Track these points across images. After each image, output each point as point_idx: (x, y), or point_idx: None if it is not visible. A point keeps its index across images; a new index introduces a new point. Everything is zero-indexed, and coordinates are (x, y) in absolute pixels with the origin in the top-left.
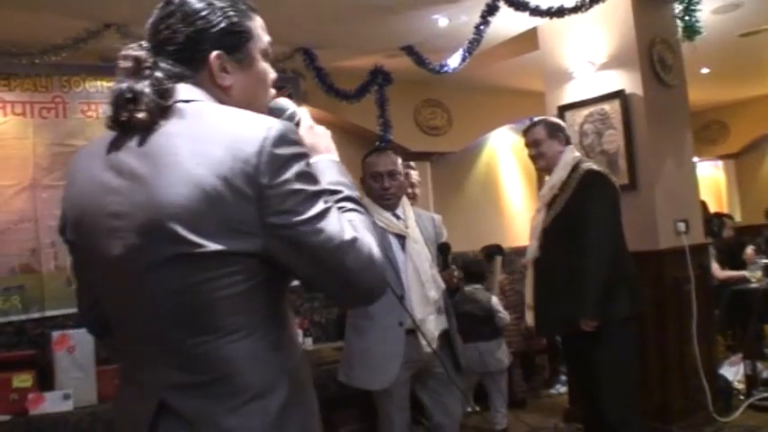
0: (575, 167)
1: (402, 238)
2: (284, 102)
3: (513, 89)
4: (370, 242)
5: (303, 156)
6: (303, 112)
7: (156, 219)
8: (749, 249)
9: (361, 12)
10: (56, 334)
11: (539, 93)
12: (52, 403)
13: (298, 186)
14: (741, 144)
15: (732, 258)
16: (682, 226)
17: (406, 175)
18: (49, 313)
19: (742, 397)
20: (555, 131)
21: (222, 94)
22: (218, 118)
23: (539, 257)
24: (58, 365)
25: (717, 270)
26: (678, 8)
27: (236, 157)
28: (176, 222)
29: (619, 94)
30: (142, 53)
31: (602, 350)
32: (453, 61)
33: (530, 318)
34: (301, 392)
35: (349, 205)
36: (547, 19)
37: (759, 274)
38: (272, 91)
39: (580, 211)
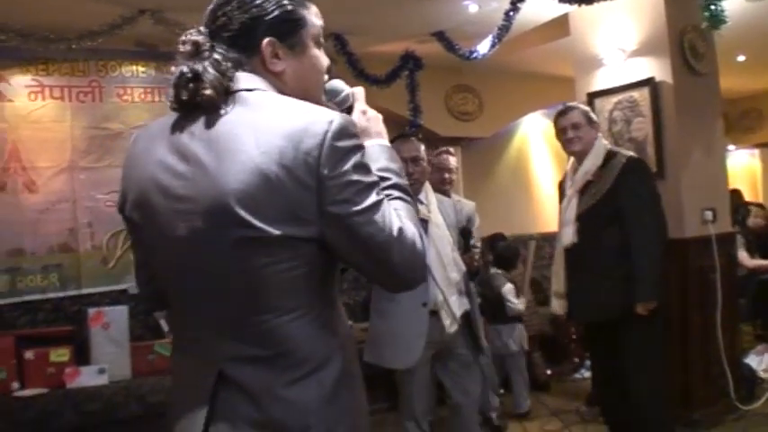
0: (609, 155)
1: (425, 223)
2: (339, 84)
3: (545, 75)
4: (414, 233)
5: (360, 147)
6: (359, 94)
7: (222, 204)
8: None
9: None
10: (92, 311)
11: (570, 79)
12: (88, 377)
13: (355, 177)
14: None
15: (762, 247)
16: (709, 215)
17: (445, 160)
18: (85, 291)
19: (766, 386)
20: (591, 118)
21: (276, 80)
22: (280, 109)
23: (575, 244)
24: (94, 341)
25: (745, 258)
26: None
27: (298, 148)
28: (241, 208)
29: (648, 82)
30: (200, 37)
31: (635, 336)
32: (483, 47)
33: (559, 306)
34: (352, 368)
35: (395, 193)
36: (576, 6)
37: None
38: (326, 76)
39: (626, 197)
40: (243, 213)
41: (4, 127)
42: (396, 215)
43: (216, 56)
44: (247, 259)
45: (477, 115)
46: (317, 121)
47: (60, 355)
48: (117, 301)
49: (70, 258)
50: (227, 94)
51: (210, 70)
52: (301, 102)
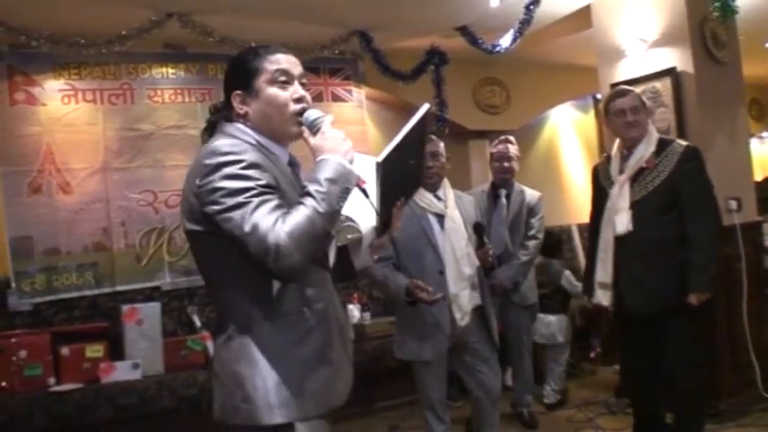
0: (661, 142)
1: (441, 218)
2: (311, 113)
3: (571, 66)
4: (267, 231)
5: (232, 162)
6: (326, 120)
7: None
8: None
9: None
10: (125, 307)
11: (596, 69)
12: (122, 372)
13: (219, 185)
14: None
15: None
16: (733, 204)
17: (504, 149)
18: (119, 288)
19: None
20: (645, 103)
21: (245, 120)
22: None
23: (630, 232)
24: (128, 337)
25: None
26: None
27: (193, 168)
28: (182, 212)
29: (670, 72)
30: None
31: (685, 327)
32: (505, 41)
33: (605, 297)
34: (284, 332)
35: (305, 200)
36: None
37: None
38: (295, 107)
39: (685, 186)
40: (182, 216)
41: (38, 130)
42: (263, 214)
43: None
44: (192, 246)
45: (505, 108)
46: (204, 148)
47: (95, 350)
48: (150, 297)
49: (104, 257)
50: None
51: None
52: (220, 137)
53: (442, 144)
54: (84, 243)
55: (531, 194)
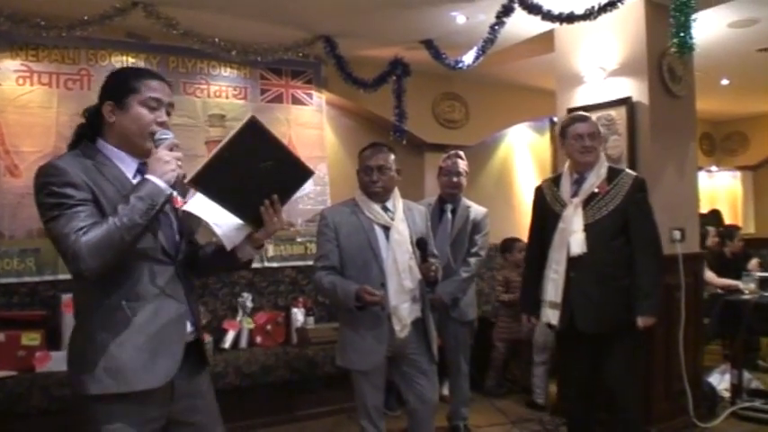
0: (612, 171)
1: (387, 229)
2: (160, 133)
3: (532, 88)
4: (72, 239)
5: (50, 184)
6: (164, 143)
7: None
8: (754, 261)
9: (382, 4)
10: (66, 297)
11: (554, 93)
12: (58, 362)
13: (44, 201)
14: (760, 156)
15: (722, 267)
16: (677, 234)
17: (454, 164)
18: (61, 276)
19: (727, 405)
20: (600, 131)
21: (110, 129)
22: None
23: (583, 254)
24: (66, 327)
25: (714, 278)
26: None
27: None
28: None
29: (626, 101)
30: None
31: (628, 347)
32: (468, 58)
33: (553, 316)
34: (114, 321)
35: (111, 215)
36: (558, 24)
37: (752, 286)
38: (153, 127)
39: (635, 214)
40: None
41: None
42: (72, 225)
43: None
44: None
45: (464, 123)
46: (37, 173)
47: (32, 338)
48: None
49: (48, 244)
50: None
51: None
52: (63, 156)
53: (392, 157)
54: (28, 228)
55: (478, 210)
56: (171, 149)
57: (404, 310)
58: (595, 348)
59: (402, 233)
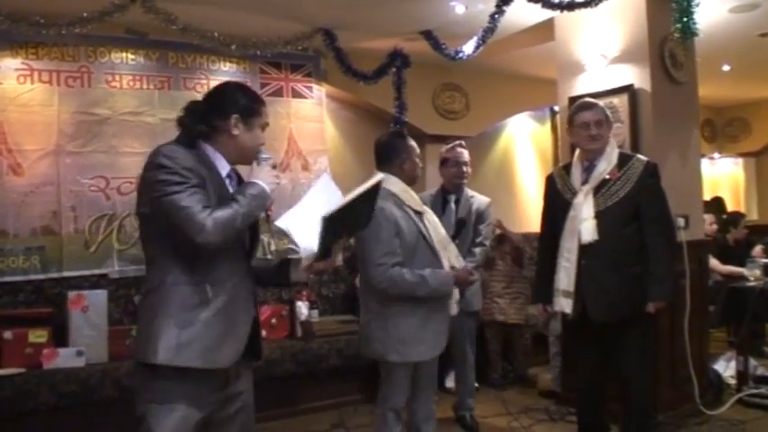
0: (622, 155)
1: (419, 215)
2: (264, 152)
3: (532, 77)
4: (204, 216)
5: (172, 164)
6: (269, 161)
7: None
8: (758, 248)
9: None
10: (72, 294)
11: (555, 82)
12: (65, 359)
13: (162, 177)
14: (762, 143)
15: (725, 254)
16: (681, 221)
17: (461, 153)
18: (66, 274)
19: (733, 392)
20: (608, 117)
21: (230, 140)
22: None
23: (594, 241)
24: (73, 324)
25: (717, 265)
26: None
27: (144, 165)
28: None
29: (628, 89)
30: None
31: (639, 333)
32: (468, 48)
33: (566, 304)
34: (184, 295)
35: (231, 204)
36: (558, 11)
37: (757, 272)
38: (261, 147)
39: (647, 200)
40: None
41: None
42: (193, 202)
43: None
44: (140, 226)
45: (464, 114)
46: (153, 153)
47: (39, 336)
48: (97, 284)
49: (52, 241)
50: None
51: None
52: (169, 143)
53: (408, 140)
54: (32, 226)
55: (481, 200)
56: (273, 168)
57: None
58: (606, 336)
59: (433, 215)
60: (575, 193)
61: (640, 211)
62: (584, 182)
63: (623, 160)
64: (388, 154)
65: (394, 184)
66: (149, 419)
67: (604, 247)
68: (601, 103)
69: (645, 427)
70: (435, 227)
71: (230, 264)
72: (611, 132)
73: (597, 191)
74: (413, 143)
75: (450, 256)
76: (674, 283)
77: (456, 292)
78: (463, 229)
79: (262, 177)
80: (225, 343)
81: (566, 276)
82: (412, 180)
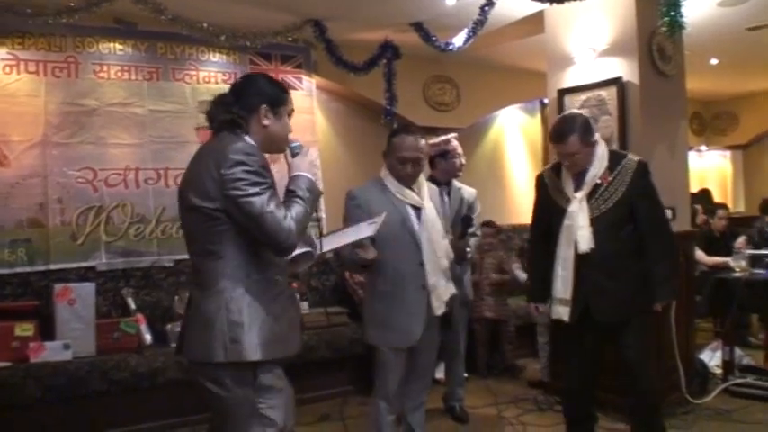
0: (614, 157)
1: (418, 210)
2: (296, 142)
3: (523, 69)
4: (282, 219)
5: (252, 162)
6: (305, 149)
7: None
8: (741, 239)
9: None
10: (58, 286)
11: (545, 75)
12: (52, 352)
13: (241, 176)
14: (750, 136)
15: (710, 245)
16: (668, 213)
17: (458, 146)
18: (53, 266)
19: (719, 381)
20: (588, 138)
21: (261, 129)
22: (221, 143)
23: (593, 248)
24: (60, 317)
25: (703, 256)
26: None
27: (217, 158)
28: (190, 191)
29: (616, 81)
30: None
31: (641, 330)
32: (458, 40)
33: (564, 312)
34: (255, 293)
35: (296, 200)
36: (548, 4)
37: (743, 263)
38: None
39: (641, 200)
40: (189, 194)
41: None
42: (274, 206)
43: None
44: (196, 220)
45: (455, 106)
46: (229, 150)
47: (25, 329)
48: (84, 277)
49: (39, 233)
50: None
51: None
52: (238, 140)
53: (423, 142)
54: (18, 218)
55: (469, 192)
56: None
57: (441, 288)
58: (605, 332)
59: (432, 213)
60: (569, 200)
61: (635, 212)
62: (577, 188)
63: (614, 161)
64: (386, 149)
65: (385, 175)
66: (262, 406)
67: (601, 253)
68: (585, 96)
69: (654, 408)
70: (433, 224)
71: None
72: (594, 145)
73: (590, 196)
74: (399, 141)
75: (440, 257)
76: (677, 280)
77: (441, 290)
78: (469, 227)
79: (305, 169)
80: (296, 332)
81: (562, 285)
82: (395, 176)
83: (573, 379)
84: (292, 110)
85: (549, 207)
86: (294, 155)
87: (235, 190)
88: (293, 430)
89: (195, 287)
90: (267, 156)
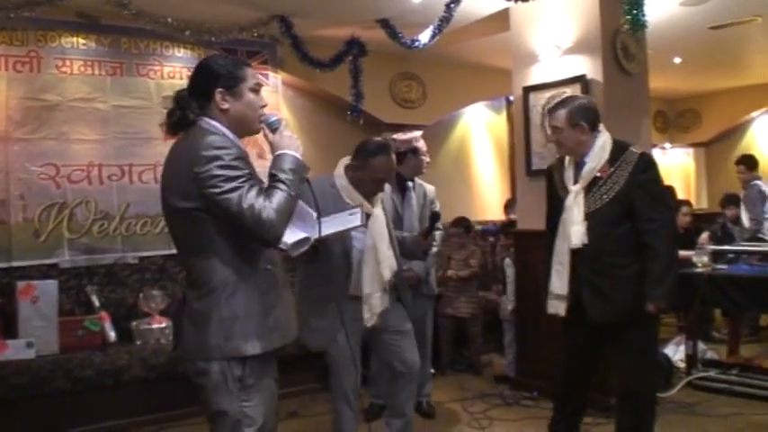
0: (617, 148)
1: (367, 216)
2: (271, 116)
3: (489, 67)
4: (261, 209)
5: (225, 156)
6: (284, 122)
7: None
8: (704, 235)
9: None
10: (21, 284)
11: (510, 72)
12: (15, 351)
13: (217, 173)
14: (712, 133)
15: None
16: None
17: (424, 144)
18: (15, 263)
19: (682, 375)
20: (577, 120)
21: (223, 115)
22: (192, 138)
23: (585, 244)
24: (22, 315)
25: None
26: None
27: (189, 156)
28: (170, 193)
29: (580, 79)
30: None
31: (640, 335)
32: (424, 37)
33: (560, 308)
34: (248, 291)
35: (278, 186)
36: (513, 2)
37: (705, 259)
38: (261, 110)
39: (641, 197)
40: (169, 196)
41: None
42: (253, 198)
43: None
44: (177, 220)
45: (421, 103)
46: (200, 146)
47: None
48: (47, 275)
49: (1, 230)
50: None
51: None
52: (207, 134)
53: (393, 156)
54: None
55: (429, 187)
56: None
57: (376, 299)
58: (604, 336)
59: (381, 221)
60: (567, 193)
61: (634, 209)
62: (576, 181)
63: (616, 154)
64: (358, 154)
65: (341, 178)
66: (245, 405)
67: (597, 249)
68: (549, 93)
69: (644, 408)
70: (380, 232)
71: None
72: (586, 134)
73: (589, 190)
74: (379, 163)
75: (382, 267)
76: (676, 282)
77: (375, 302)
78: (436, 224)
79: (286, 145)
80: (290, 318)
81: (558, 280)
82: (354, 185)
83: (565, 378)
84: (257, 84)
85: (555, 200)
86: (273, 131)
87: (211, 188)
88: (275, 429)
89: (188, 287)
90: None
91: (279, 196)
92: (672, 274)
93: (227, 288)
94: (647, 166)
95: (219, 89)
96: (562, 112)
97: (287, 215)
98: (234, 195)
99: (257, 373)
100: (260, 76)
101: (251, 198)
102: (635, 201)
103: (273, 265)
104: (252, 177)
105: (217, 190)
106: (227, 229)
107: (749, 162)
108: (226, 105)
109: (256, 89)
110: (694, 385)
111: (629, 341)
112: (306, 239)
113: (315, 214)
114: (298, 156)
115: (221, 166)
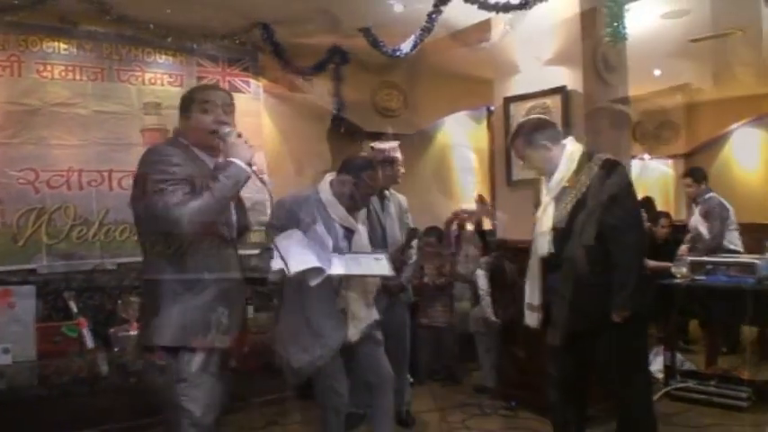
0: (584, 159)
1: (350, 233)
2: (223, 129)
3: (469, 77)
4: (172, 206)
5: (157, 162)
6: (231, 133)
7: None
8: (683, 247)
9: None
10: None
11: (492, 82)
12: None
13: (152, 177)
14: (692, 145)
15: (654, 252)
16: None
17: (400, 153)
18: None
19: (661, 386)
20: (534, 139)
21: (183, 132)
22: None
23: (552, 253)
24: None
25: (645, 261)
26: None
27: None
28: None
29: (561, 90)
30: None
31: (617, 346)
32: (406, 46)
33: (534, 319)
34: (186, 300)
35: (205, 189)
36: (494, 13)
37: (683, 270)
38: (212, 126)
39: (604, 203)
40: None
41: None
42: (172, 197)
43: None
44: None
45: (402, 112)
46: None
47: None
48: (25, 280)
49: None
50: None
51: None
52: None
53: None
54: None
55: (402, 198)
56: (239, 136)
57: (362, 314)
58: (583, 346)
59: (365, 238)
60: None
61: (600, 216)
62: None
63: (582, 163)
64: (348, 170)
65: (326, 192)
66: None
67: (563, 259)
68: (530, 104)
69: (642, 423)
70: (364, 247)
71: (218, 249)
72: (552, 147)
73: (559, 201)
74: (371, 176)
75: (367, 282)
76: (644, 291)
77: (361, 314)
78: (414, 239)
79: (234, 153)
80: (221, 323)
81: (530, 290)
82: (338, 199)
83: (555, 389)
84: (206, 101)
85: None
86: (225, 142)
87: (141, 189)
88: (212, 424)
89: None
90: None
91: (196, 200)
92: (632, 280)
93: (162, 287)
94: (611, 171)
95: (180, 112)
96: (520, 141)
97: (203, 215)
98: (156, 196)
99: (192, 365)
100: (215, 97)
101: (169, 199)
102: (596, 207)
103: (209, 270)
104: (183, 181)
105: (144, 190)
106: (156, 231)
107: (696, 175)
108: (183, 125)
109: (206, 108)
110: (672, 396)
111: (606, 352)
112: (320, 270)
113: (330, 246)
114: (239, 163)
115: (156, 170)
